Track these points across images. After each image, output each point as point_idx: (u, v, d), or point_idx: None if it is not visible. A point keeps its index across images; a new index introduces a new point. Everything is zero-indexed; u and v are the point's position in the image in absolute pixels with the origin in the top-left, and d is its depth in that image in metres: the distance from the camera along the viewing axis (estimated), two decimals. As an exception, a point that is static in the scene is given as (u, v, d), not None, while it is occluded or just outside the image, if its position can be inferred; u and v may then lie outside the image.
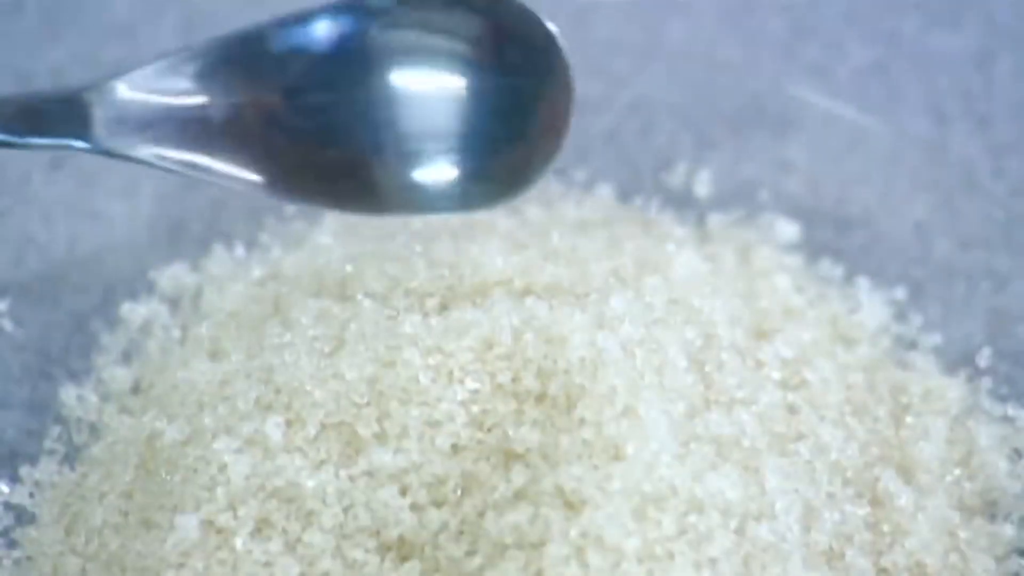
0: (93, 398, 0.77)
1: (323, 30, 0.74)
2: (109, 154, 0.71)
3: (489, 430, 0.67)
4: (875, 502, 0.71)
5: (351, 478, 0.67)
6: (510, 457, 0.66)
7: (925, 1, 1.04)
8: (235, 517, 0.66)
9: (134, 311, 0.80)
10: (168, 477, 0.69)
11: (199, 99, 0.72)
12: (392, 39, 0.74)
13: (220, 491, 0.66)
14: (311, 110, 0.74)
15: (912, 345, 0.81)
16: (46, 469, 0.74)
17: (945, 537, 0.71)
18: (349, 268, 0.77)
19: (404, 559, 0.65)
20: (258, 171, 0.74)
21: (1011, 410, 0.78)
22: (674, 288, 0.76)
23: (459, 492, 0.66)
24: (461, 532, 0.65)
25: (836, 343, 0.80)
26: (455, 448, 0.67)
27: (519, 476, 0.65)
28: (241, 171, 0.73)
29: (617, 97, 0.91)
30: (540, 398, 0.68)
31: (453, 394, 0.68)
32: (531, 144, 0.75)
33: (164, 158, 0.72)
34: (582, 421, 0.66)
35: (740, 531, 0.64)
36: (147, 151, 0.71)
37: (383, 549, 0.66)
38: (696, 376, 0.70)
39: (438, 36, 0.75)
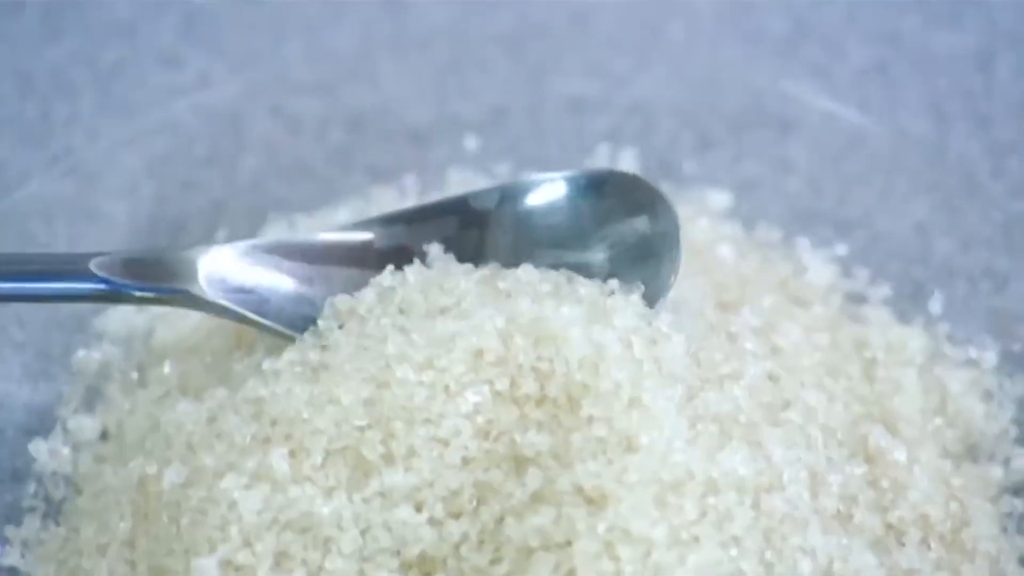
0: (65, 450, 0.75)
1: (428, 229, 0.75)
2: (207, 308, 0.72)
3: (496, 438, 0.67)
4: (870, 459, 0.73)
5: (365, 501, 0.66)
6: (521, 462, 0.66)
7: (925, 1, 1.04)
8: (253, 554, 0.65)
9: (88, 358, 0.79)
10: (172, 521, 0.68)
11: (296, 281, 0.75)
12: (497, 236, 0.76)
13: (234, 529, 0.66)
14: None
15: (862, 299, 0.83)
16: (31, 527, 0.72)
17: (942, 487, 0.72)
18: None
19: (428, 574, 0.65)
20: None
21: (973, 352, 0.80)
22: None
23: (475, 502, 0.66)
24: (482, 541, 0.65)
25: (792, 306, 0.80)
26: (465, 460, 0.67)
27: (534, 479, 0.65)
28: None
29: (617, 97, 0.91)
30: (540, 401, 0.68)
31: (456, 408, 0.67)
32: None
33: (264, 316, 0.73)
34: (591, 418, 0.66)
35: (756, 506, 0.65)
36: (248, 306, 0.73)
37: (406, 567, 0.66)
38: (688, 358, 0.71)
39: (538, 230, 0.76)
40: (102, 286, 0.70)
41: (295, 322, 0.73)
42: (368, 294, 0.72)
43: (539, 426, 0.67)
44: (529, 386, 0.68)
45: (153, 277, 0.71)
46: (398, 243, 0.75)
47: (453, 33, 1.00)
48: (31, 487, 0.74)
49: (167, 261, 0.72)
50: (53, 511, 0.73)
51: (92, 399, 0.78)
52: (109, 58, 1.00)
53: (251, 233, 0.85)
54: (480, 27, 1.01)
